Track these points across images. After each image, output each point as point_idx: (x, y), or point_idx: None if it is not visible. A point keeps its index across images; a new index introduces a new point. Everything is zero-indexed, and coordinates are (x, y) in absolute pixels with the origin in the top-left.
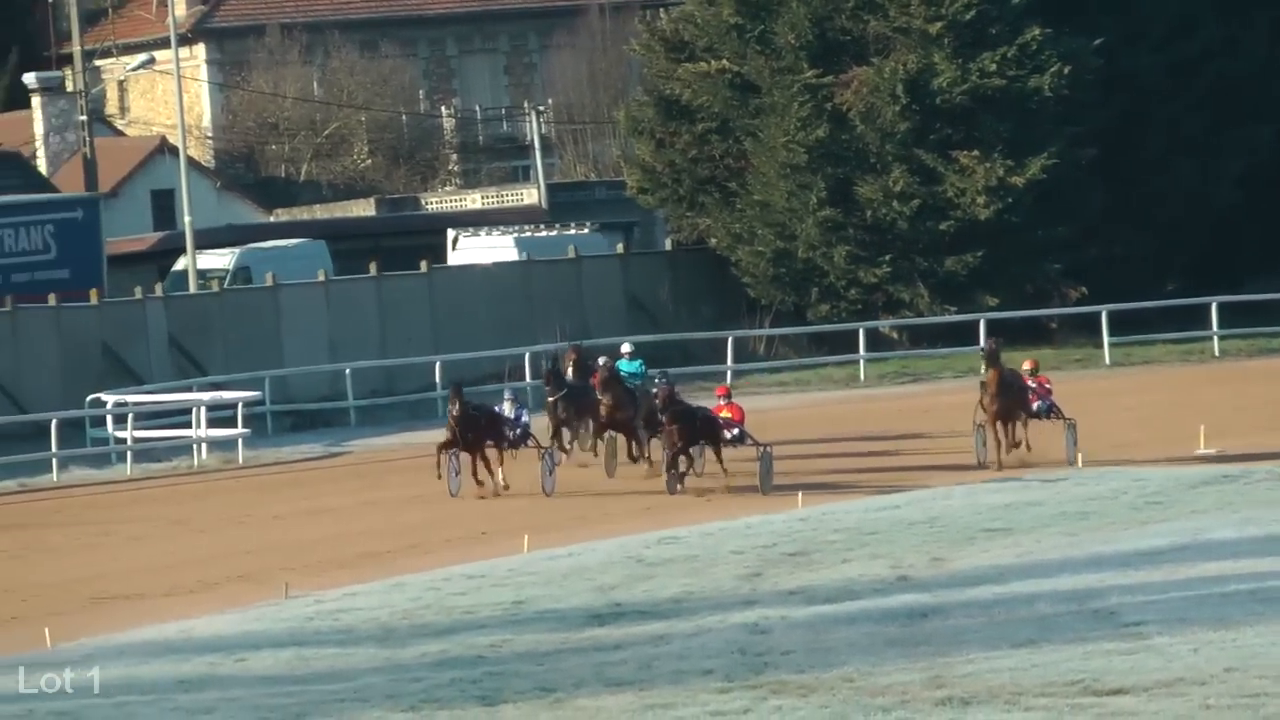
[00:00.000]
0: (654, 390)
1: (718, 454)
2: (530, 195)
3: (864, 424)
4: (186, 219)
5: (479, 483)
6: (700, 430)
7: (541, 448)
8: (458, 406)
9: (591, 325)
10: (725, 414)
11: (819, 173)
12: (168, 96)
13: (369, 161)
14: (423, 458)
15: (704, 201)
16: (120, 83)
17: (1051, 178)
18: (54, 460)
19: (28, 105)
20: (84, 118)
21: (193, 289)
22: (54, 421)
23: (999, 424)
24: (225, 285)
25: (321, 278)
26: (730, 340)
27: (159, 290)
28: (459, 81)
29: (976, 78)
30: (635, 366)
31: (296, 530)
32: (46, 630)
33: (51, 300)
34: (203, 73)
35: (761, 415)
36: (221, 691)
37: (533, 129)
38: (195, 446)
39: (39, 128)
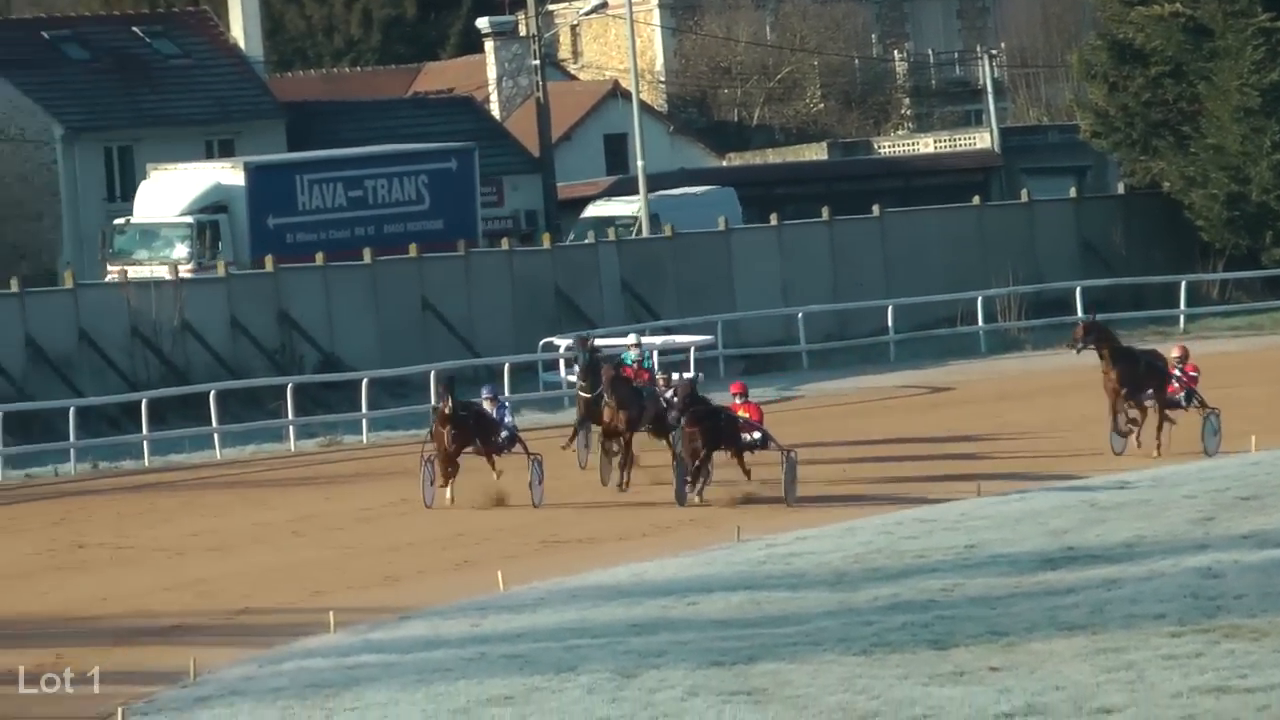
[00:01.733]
0: (660, 389)
1: (740, 458)
2: (983, 139)
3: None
4: (639, 163)
5: (445, 482)
6: (723, 432)
7: (530, 454)
8: (449, 405)
9: (1044, 270)
10: (743, 414)
11: (1273, 116)
12: (620, 41)
13: (821, 106)
14: (870, 402)
15: (1157, 145)
16: (573, 27)
17: None
18: None
19: (480, 50)
20: (536, 62)
21: (645, 233)
22: (506, 365)
23: (1125, 402)
24: (633, 234)
25: (774, 221)
26: (1183, 285)
27: (612, 235)
28: (911, 25)
29: None
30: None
31: None
32: (499, 574)
33: (505, 244)
34: (655, 17)
35: (1212, 360)
36: (673, 635)
37: (985, 73)
38: None
39: (491, 72)
